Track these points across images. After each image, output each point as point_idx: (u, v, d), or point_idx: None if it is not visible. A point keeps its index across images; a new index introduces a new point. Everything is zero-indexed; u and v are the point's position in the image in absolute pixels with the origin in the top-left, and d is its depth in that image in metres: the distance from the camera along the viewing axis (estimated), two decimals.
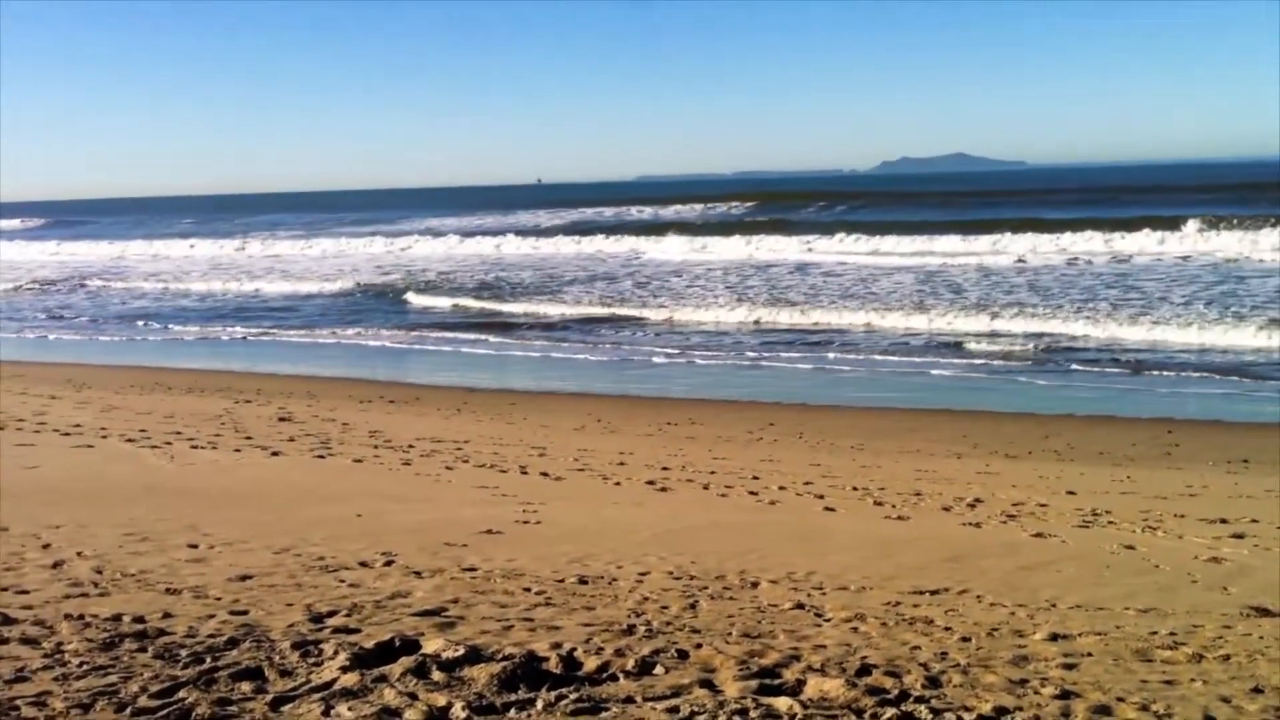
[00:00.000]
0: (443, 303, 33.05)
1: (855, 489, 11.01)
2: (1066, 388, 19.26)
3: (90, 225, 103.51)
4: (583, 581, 7.05)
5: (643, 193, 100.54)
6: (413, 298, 34.30)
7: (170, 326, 30.27)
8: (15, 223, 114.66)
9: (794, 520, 9.50)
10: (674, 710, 4.49)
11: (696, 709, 4.49)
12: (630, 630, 5.82)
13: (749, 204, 78.95)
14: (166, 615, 6.02)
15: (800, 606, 6.52)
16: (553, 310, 30.70)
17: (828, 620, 6.20)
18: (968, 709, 4.62)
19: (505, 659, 5.01)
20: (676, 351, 23.66)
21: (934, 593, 6.99)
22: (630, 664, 5.05)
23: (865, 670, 5.12)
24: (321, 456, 12.04)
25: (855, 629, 6.01)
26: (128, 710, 4.45)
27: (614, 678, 4.93)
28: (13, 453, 11.55)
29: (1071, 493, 11.23)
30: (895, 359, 22.38)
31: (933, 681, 4.99)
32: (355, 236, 66.67)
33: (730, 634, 5.80)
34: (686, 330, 26.87)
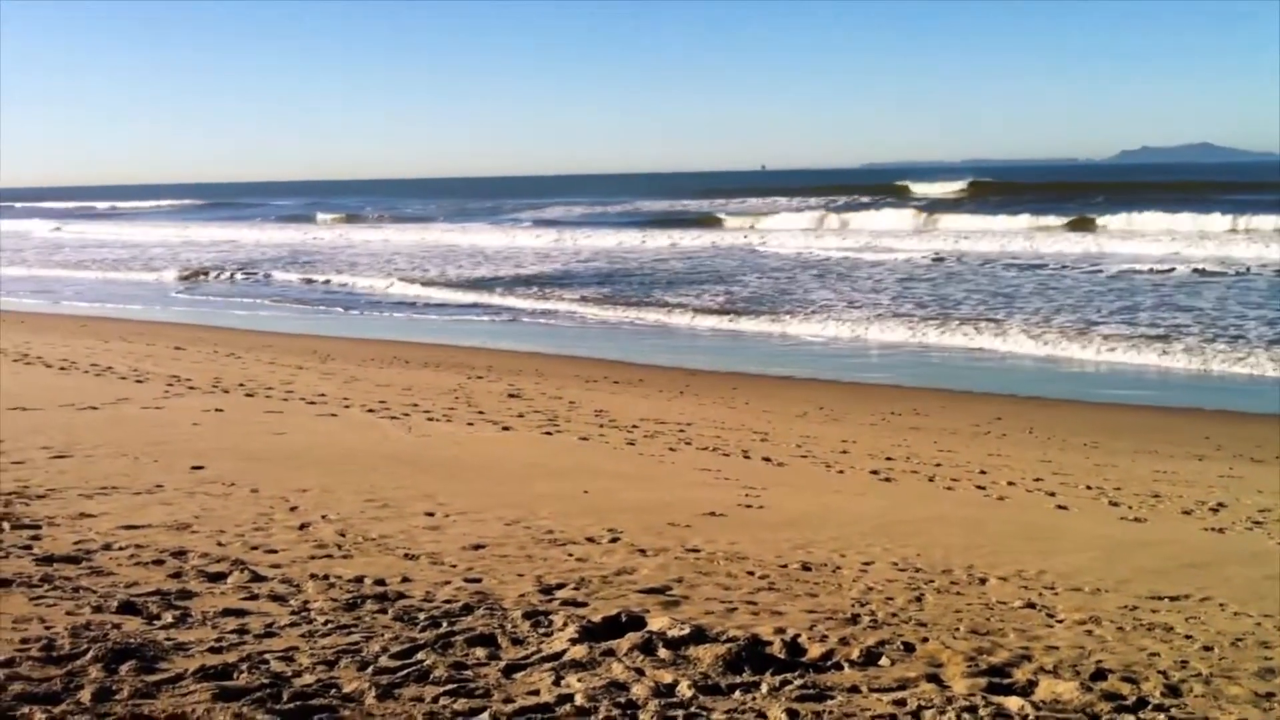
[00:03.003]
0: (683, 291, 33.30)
1: (1089, 488, 10.65)
2: None
3: (259, 208, 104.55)
4: (806, 568, 7.03)
5: (864, 180, 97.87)
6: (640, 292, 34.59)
7: (410, 305, 31.24)
8: (165, 203, 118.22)
9: (1024, 517, 9.26)
10: (900, 703, 4.44)
11: (924, 703, 4.43)
12: (855, 620, 5.78)
13: (966, 195, 76.08)
14: (405, 579, 6.27)
15: (1031, 606, 6.35)
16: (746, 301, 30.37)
17: (1060, 621, 6.03)
18: None
19: (730, 640, 5.04)
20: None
21: (1174, 599, 6.71)
22: (855, 653, 5.02)
23: (1100, 675, 4.97)
24: (549, 433, 12.32)
25: (1089, 632, 5.83)
26: (369, 669, 4.65)
27: (838, 666, 4.90)
28: (263, 419, 12.21)
29: None
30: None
31: (1172, 690, 4.81)
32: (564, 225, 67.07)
33: (958, 629, 5.70)
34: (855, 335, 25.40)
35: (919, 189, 79.62)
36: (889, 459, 11.63)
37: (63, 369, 15.80)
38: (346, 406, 13.31)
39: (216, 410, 12.61)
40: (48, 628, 5.07)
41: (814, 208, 68.97)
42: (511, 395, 15.15)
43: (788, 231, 54.33)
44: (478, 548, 7.16)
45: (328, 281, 36.91)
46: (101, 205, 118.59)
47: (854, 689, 4.60)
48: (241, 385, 14.68)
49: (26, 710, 4.01)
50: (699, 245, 49.06)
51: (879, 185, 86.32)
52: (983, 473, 11.10)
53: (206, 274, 39.72)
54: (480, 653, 4.91)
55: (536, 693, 4.42)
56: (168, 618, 5.32)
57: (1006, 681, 4.79)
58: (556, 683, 4.51)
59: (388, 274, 38.40)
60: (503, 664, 4.75)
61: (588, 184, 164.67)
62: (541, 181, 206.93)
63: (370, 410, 13.09)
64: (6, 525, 7.10)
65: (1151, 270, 34.05)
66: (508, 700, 4.34)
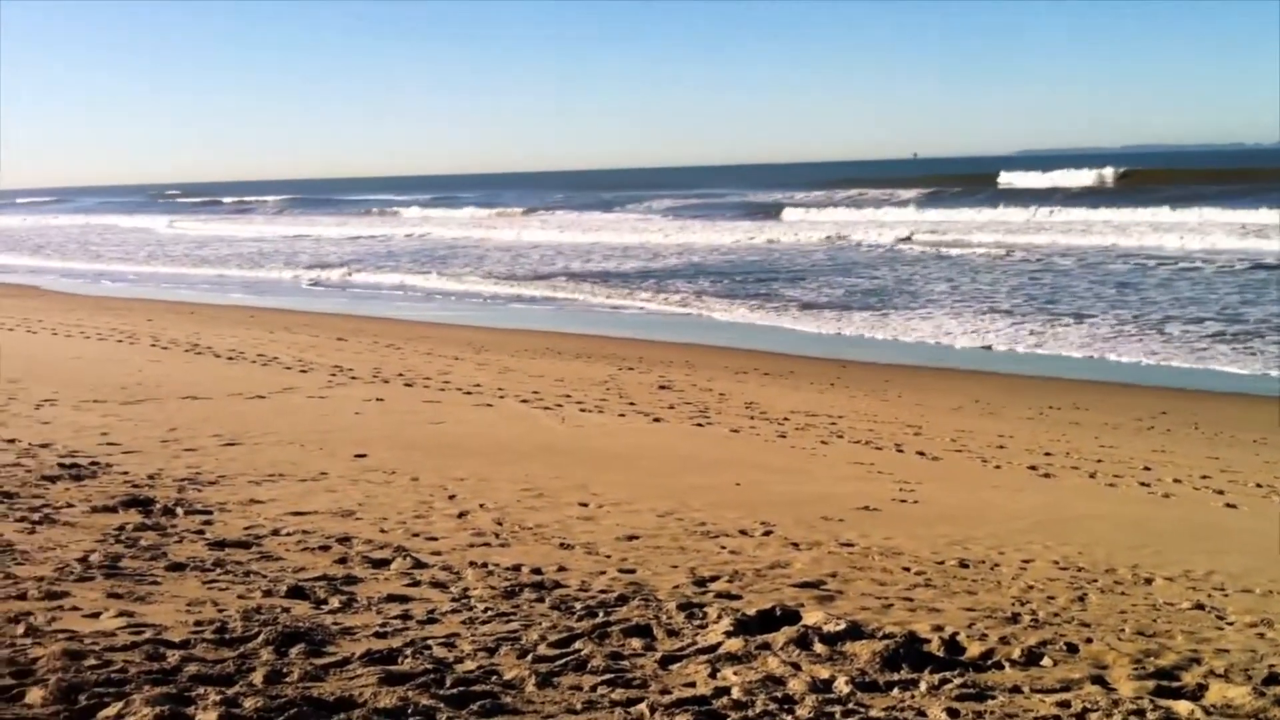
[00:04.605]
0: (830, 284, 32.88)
1: (1259, 485, 10.27)
2: None
3: (363, 202, 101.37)
4: (963, 565, 6.93)
5: (1016, 166, 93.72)
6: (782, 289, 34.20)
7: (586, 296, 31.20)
8: (281, 197, 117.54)
9: (1191, 515, 8.97)
10: (1065, 705, 4.35)
11: (1089, 705, 4.34)
12: (1015, 619, 5.69)
13: (1113, 183, 71.82)
14: (561, 569, 6.37)
15: (1199, 607, 6.17)
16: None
17: (1230, 624, 5.85)
18: None
19: (887, 637, 5.00)
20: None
21: None
22: (1016, 653, 4.94)
23: (1274, 679, 4.80)
24: (700, 425, 12.34)
25: (1261, 635, 5.64)
26: (529, 657, 4.72)
27: (999, 665, 4.83)
28: (421, 409, 12.50)
29: None
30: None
31: None
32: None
33: (1123, 630, 5.57)
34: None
35: (1065, 178, 75.87)
36: (1048, 454, 11.37)
37: (231, 359, 16.40)
38: (501, 397, 13.54)
39: (377, 400, 12.95)
40: (220, 610, 5.28)
41: (950, 198, 67.04)
42: (662, 387, 15.21)
43: (925, 224, 52.24)
44: (631, 538, 7.23)
45: (470, 274, 37.28)
46: (228, 200, 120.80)
47: (1016, 689, 4.53)
48: (401, 375, 15.04)
49: (201, 691, 4.17)
50: (811, 239, 47.41)
51: (1025, 173, 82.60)
52: (1147, 469, 10.79)
53: (354, 268, 40.50)
54: (636, 643, 4.96)
55: (693, 685, 4.45)
56: (334, 602, 5.49)
57: (1175, 685, 4.67)
58: (713, 675, 4.53)
59: (522, 268, 38.66)
60: (659, 655, 4.79)
61: (728, 174, 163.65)
62: (694, 172, 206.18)
63: (524, 401, 13.29)
64: (180, 511, 7.41)
65: None
66: (664, 691, 4.37)
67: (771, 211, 63.90)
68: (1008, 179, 77.01)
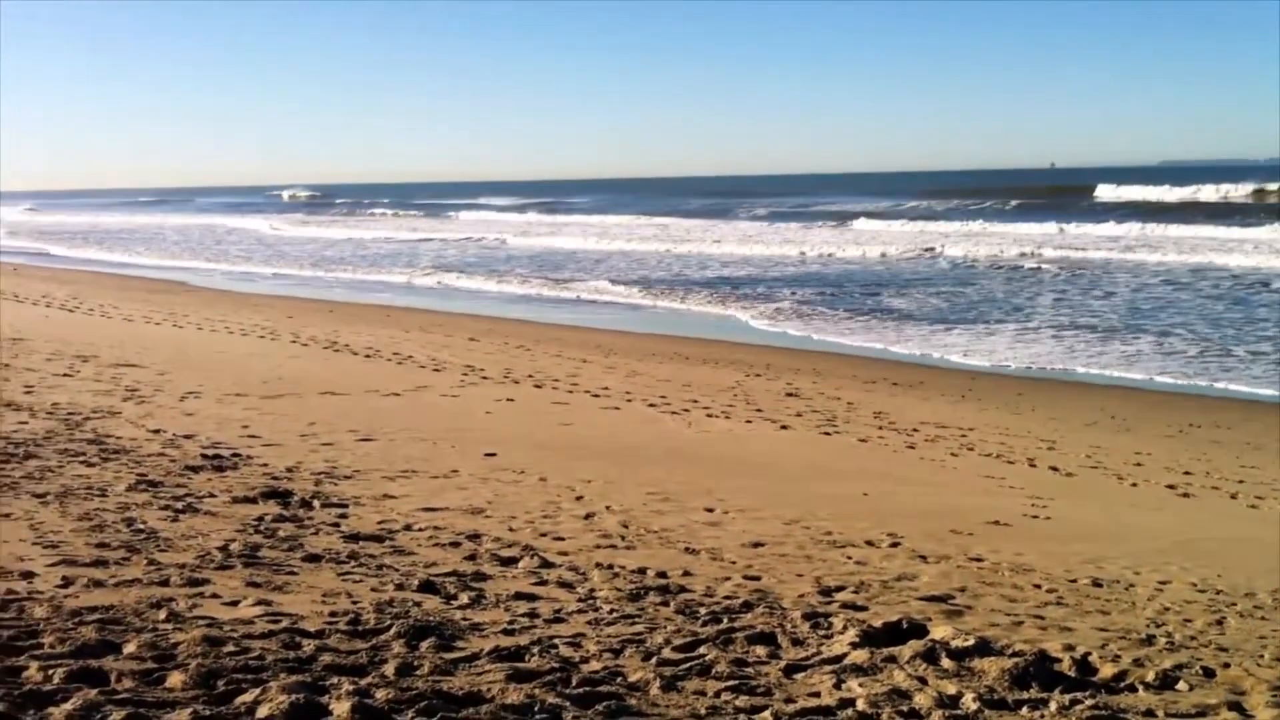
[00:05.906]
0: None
1: None
2: None
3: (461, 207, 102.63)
4: (1096, 584, 6.79)
5: (1158, 179, 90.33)
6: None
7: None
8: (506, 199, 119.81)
9: None
10: None
11: None
12: (1150, 640, 5.56)
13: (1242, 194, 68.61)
14: (686, 573, 6.40)
15: None
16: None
17: None
18: None
19: (1016, 655, 4.93)
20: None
21: None
22: (1150, 676, 4.83)
23: None
24: (827, 434, 12.27)
25: None
26: (653, 660, 4.76)
27: (1132, 688, 4.73)
28: (550, 410, 12.64)
29: None
30: None
31: None
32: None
33: (1262, 656, 5.41)
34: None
35: (1198, 192, 72.10)
36: (1187, 473, 11.07)
37: (368, 357, 16.77)
38: (629, 400, 13.62)
39: (508, 400, 13.14)
40: (354, 602, 5.41)
41: (1076, 211, 64.88)
42: (790, 394, 15.15)
43: (1037, 237, 50.00)
44: (757, 545, 7.23)
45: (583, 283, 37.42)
46: (340, 201, 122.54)
47: (1149, 713, 4.43)
48: (530, 376, 15.21)
49: (335, 680, 4.29)
50: (905, 251, 45.93)
51: (1172, 185, 79.58)
52: None
53: (477, 271, 40.91)
54: (760, 651, 4.96)
55: (817, 695, 4.44)
56: (464, 598, 5.60)
57: None
58: (837, 686, 4.52)
59: (639, 274, 38.60)
60: (783, 663, 4.79)
61: (861, 182, 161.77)
62: (811, 180, 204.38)
63: (651, 405, 13.35)
64: (317, 503, 7.61)
65: None
66: (789, 700, 4.37)
67: (866, 219, 63.91)
68: (1115, 192, 74.51)
